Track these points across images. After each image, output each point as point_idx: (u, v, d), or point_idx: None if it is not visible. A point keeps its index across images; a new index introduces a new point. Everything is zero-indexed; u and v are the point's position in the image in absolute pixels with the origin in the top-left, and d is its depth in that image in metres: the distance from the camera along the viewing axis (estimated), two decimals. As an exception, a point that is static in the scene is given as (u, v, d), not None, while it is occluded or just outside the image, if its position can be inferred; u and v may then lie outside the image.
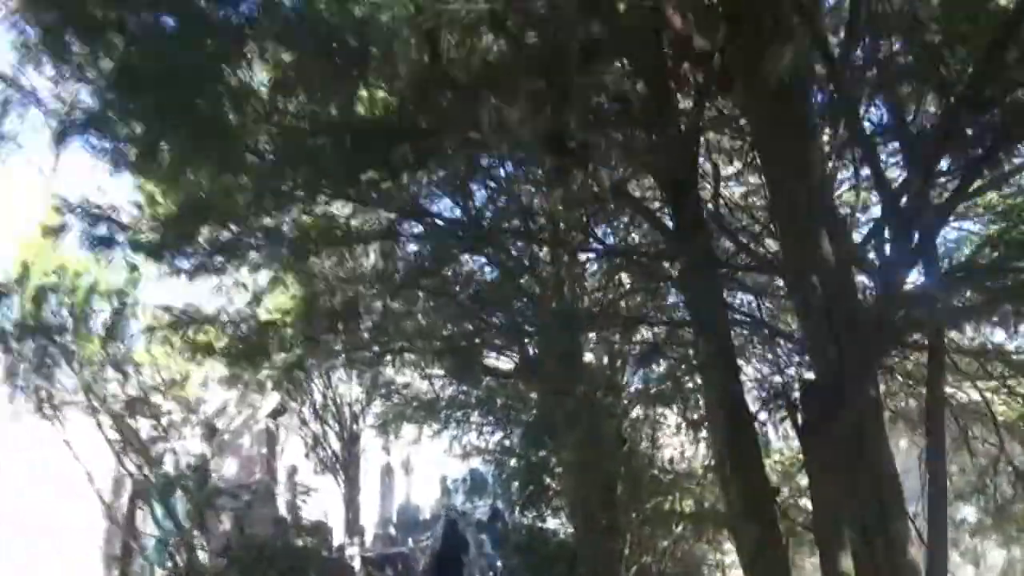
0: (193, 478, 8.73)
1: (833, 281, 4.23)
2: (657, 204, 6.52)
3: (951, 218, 5.93)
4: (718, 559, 14.36)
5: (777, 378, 7.91)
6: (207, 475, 9.31)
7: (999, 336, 7.27)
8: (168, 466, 8.83)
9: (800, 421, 3.67)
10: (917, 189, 4.29)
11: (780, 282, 7.95)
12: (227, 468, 12.86)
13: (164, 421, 9.29)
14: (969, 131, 4.10)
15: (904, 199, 4.53)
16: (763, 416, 7.93)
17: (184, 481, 8.41)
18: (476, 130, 4.19)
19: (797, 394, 3.74)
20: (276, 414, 13.74)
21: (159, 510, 8.25)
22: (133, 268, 7.96)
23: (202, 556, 8.60)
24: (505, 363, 12.82)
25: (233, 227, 6.40)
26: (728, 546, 14.01)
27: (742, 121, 5.34)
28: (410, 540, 19.04)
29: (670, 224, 4.98)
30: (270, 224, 6.59)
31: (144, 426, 9.01)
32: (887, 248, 4.79)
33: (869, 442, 4.12)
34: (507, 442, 14.04)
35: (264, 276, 7.25)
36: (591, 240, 7.67)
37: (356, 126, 4.86)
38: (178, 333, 7.41)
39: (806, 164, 4.09)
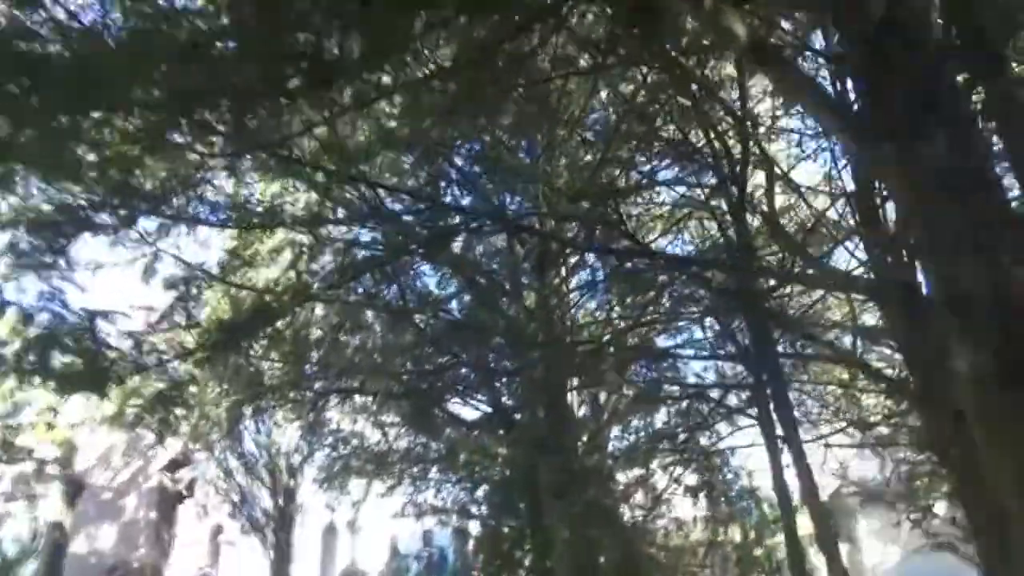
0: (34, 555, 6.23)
1: None
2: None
3: None
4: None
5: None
6: (60, 551, 6.76)
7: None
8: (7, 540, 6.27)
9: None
10: None
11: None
12: (102, 538, 9.92)
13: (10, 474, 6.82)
14: None
15: None
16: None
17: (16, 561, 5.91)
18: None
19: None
20: (175, 467, 10.83)
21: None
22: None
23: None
24: (471, 412, 10.84)
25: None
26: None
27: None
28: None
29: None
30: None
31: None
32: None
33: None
34: (471, 507, 11.82)
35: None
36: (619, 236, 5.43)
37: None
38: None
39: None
